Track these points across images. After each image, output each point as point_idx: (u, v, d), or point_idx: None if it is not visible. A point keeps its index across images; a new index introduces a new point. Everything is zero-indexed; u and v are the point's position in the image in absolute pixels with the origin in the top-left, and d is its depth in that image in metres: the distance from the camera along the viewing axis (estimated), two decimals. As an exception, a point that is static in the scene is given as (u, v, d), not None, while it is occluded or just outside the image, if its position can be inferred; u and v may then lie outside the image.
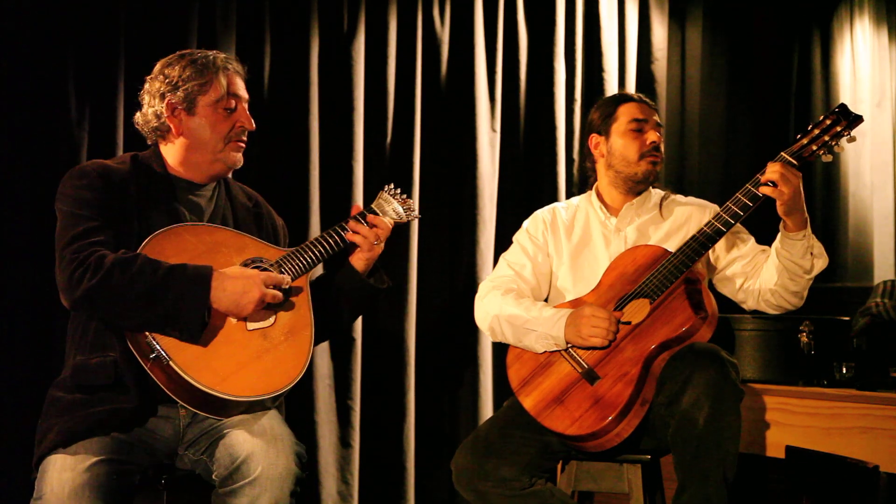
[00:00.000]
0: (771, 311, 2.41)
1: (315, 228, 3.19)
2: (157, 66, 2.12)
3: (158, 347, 1.84)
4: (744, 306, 2.47)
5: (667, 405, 2.10)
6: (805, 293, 2.35)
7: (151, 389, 1.90)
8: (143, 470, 1.91)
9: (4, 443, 2.56)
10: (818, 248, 2.29)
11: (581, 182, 3.85)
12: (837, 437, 2.57)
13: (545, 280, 2.53)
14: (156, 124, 2.09)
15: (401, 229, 3.37)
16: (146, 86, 2.11)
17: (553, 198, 3.74)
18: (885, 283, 3.26)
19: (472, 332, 2.67)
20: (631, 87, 4.08)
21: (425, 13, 3.54)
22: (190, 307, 1.85)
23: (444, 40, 3.59)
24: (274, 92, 3.16)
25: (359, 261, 2.18)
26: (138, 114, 2.13)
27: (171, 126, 2.08)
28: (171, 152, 2.11)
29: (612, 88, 4.00)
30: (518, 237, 2.59)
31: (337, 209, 3.26)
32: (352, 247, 2.18)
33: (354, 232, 2.15)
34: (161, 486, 1.96)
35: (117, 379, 1.88)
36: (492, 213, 3.63)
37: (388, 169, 3.42)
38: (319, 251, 2.11)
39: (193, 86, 2.06)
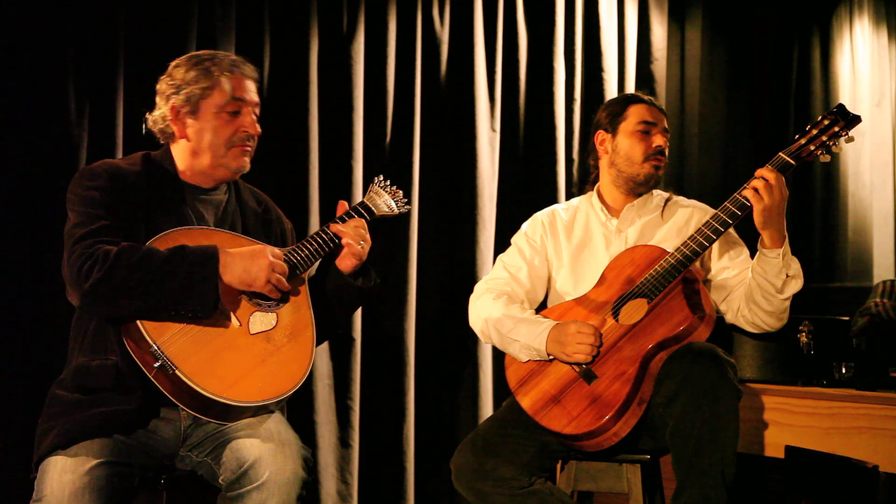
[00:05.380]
0: (748, 329, 2.38)
1: (315, 228, 3.19)
2: (169, 67, 2.10)
3: (163, 356, 1.83)
4: (725, 318, 2.44)
5: (665, 405, 2.10)
6: (783, 315, 2.31)
7: (154, 391, 1.89)
8: (143, 472, 1.91)
9: (4, 443, 2.55)
10: (795, 269, 2.25)
11: (581, 182, 3.85)
12: (837, 436, 2.57)
13: (541, 283, 2.52)
14: (162, 126, 2.08)
15: (400, 227, 3.38)
16: (158, 86, 2.10)
17: (552, 197, 3.74)
18: (884, 283, 3.26)
19: (472, 332, 2.68)
20: (630, 88, 4.09)
21: (425, 13, 3.55)
22: (201, 281, 1.84)
23: (444, 40, 3.59)
24: (273, 92, 3.16)
25: (345, 262, 2.14)
26: (149, 115, 2.12)
27: (175, 129, 2.06)
28: (178, 155, 2.10)
29: (611, 88, 4.01)
30: (516, 239, 2.59)
31: (335, 210, 3.26)
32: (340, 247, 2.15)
33: (341, 233, 2.12)
34: (161, 486, 1.97)
35: (118, 381, 1.88)
36: (491, 212, 3.64)
37: (387, 169, 3.42)
38: (312, 249, 2.09)
39: (196, 89, 2.03)
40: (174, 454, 1.99)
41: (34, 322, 2.63)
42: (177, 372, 1.82)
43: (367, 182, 3.33)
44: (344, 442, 3.22)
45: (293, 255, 2.06)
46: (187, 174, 2.09)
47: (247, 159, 2.11)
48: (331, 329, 2.22)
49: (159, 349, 1.83)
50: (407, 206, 2.29)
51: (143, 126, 2.83)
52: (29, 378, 2.59)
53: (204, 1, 2.98)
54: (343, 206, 2.22)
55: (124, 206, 1.96)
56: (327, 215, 3.24)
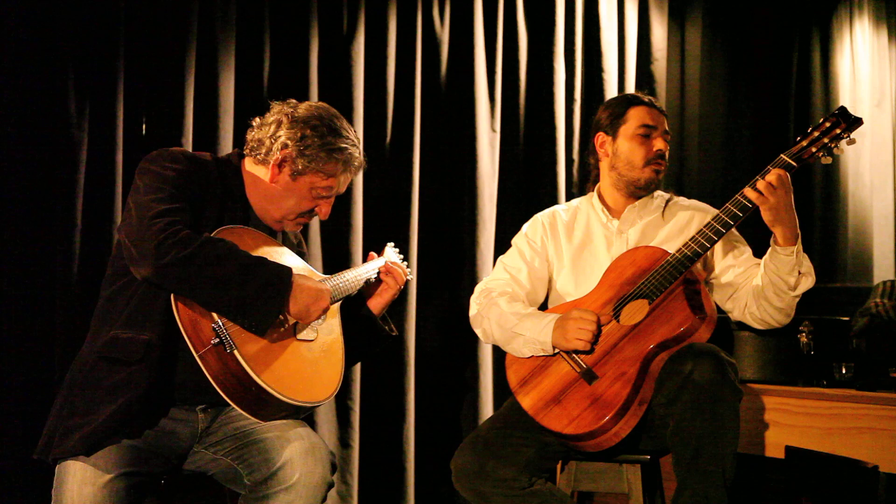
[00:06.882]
0: (755, 325, 2.40)
1: (314, 229, 3.19)
2: (305, 111, 2.08)
3: (226, 334, 1.84)
4: (731, 316, 2.47)
5: (665, 405, 2.10)
6: (791, 311, 2.34)
7: (169, 382, 1.90)
8: (157, 478, 1.92)
9: (4, 442, 2.55)
10: (807, 266, 2.27)
11: (581, 182, 3.86)
12: (837, 437, 2.57)
13: (541, 285, 2.52)
14: (260, 153, 2.07)
15: (401, 227, 3.38)
16: (285, 113, 2.07)
17: (553, 198, 3.75)
18: (884, 283, 3.26)
19: (472, 332, 2.68)
20: (630, 88, 4.09)
21: (425, 13, 3.54)
22: (270, 299, 1.87)
23: (444, 40, 3.59)
24: (273, 92, 3.14)
25: (377, 304, 2.28)
26: (258, 122, 2.10)
27: (269, 171, 2.06)
28: (255, 176, 2.09)
29: (611, 88, 4.01)
30: (516, 241, 2.59)
31: (336, 210, 3.25)
32: (367, 291, 2.27)
33: (387, 272, 2.26)
34: (160, 486, 1.96)
35: (143, 358, 1.86)
36: (491, 213, 3.64)
37: (387, 169, 3.42)
38: (353, 281, 2.19)
39: (314, 164, 2.05)
40: (186, 453, 1.99)
41: (35, 320, 2.63)
42: (235, 352, 1.83)
43: (368, 183, 3.36)
44: (344, 442, 3.22)
45: (336, 283, 2.13)
46: (251, 195, 2.10)
47: (300, 229, 2.21)
48: (349, 361, 2.24)
49: (223, 327, 1.84)
50: (409, 276, 2.39)
51: (143, 126, 2.85)
52: (28, 377, 2.59)
53: (204, 1, 2.98)
54: (373, 256, 2.35)
55: (197, 195, 1.97)
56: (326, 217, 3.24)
